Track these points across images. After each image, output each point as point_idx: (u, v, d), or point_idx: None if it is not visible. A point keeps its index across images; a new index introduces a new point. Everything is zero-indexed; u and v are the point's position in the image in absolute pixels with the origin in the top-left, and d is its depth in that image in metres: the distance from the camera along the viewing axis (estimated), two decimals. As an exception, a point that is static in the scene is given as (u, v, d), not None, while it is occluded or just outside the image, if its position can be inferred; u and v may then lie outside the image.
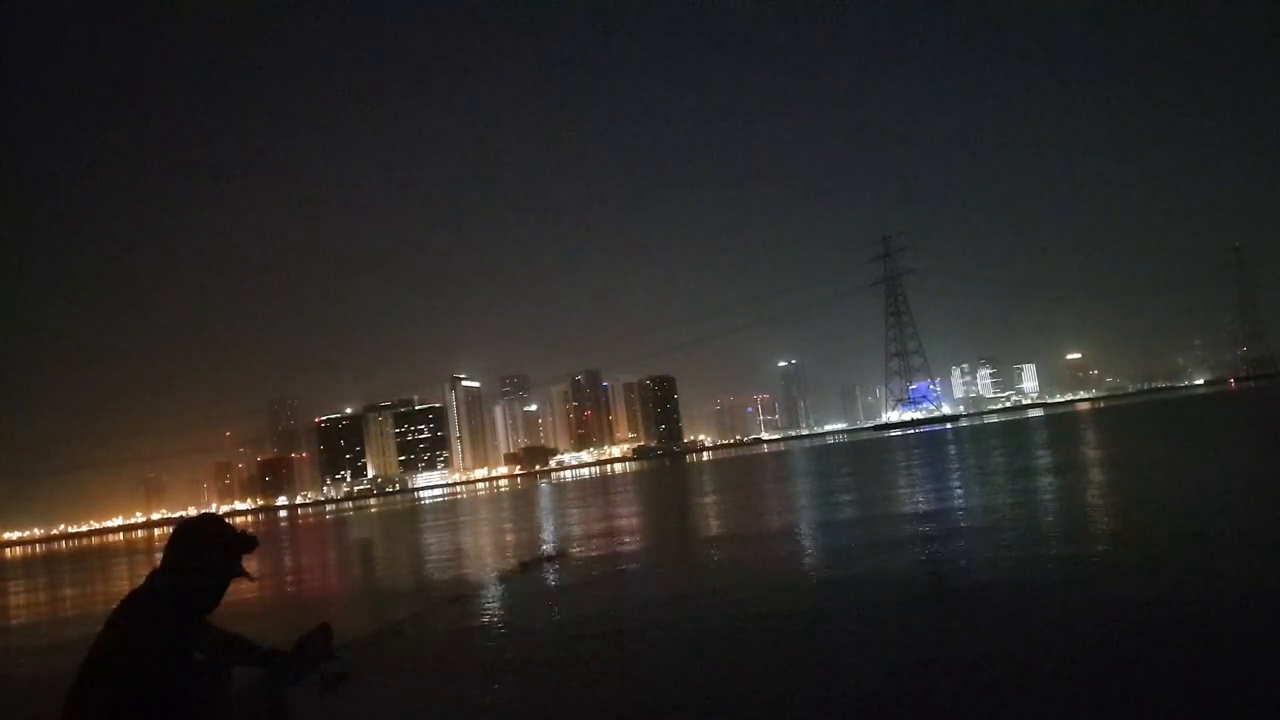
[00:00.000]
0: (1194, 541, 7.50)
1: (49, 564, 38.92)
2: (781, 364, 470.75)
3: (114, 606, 2.52)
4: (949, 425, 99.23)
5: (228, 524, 2.74)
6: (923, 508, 12.66)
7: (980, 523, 10.63)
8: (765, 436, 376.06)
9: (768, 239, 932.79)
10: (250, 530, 2.72)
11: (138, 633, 2.40)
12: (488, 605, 9.17)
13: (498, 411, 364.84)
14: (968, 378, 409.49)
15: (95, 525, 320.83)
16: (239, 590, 2.80)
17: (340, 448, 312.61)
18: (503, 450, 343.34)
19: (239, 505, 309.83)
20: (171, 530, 2.69)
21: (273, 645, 2.91)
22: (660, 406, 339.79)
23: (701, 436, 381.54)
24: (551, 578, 10.61)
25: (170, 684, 2.38)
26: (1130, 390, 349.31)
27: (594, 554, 13.16)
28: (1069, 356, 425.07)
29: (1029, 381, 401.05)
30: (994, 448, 28.23)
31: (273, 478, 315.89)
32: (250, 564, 2.70)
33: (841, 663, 5.35)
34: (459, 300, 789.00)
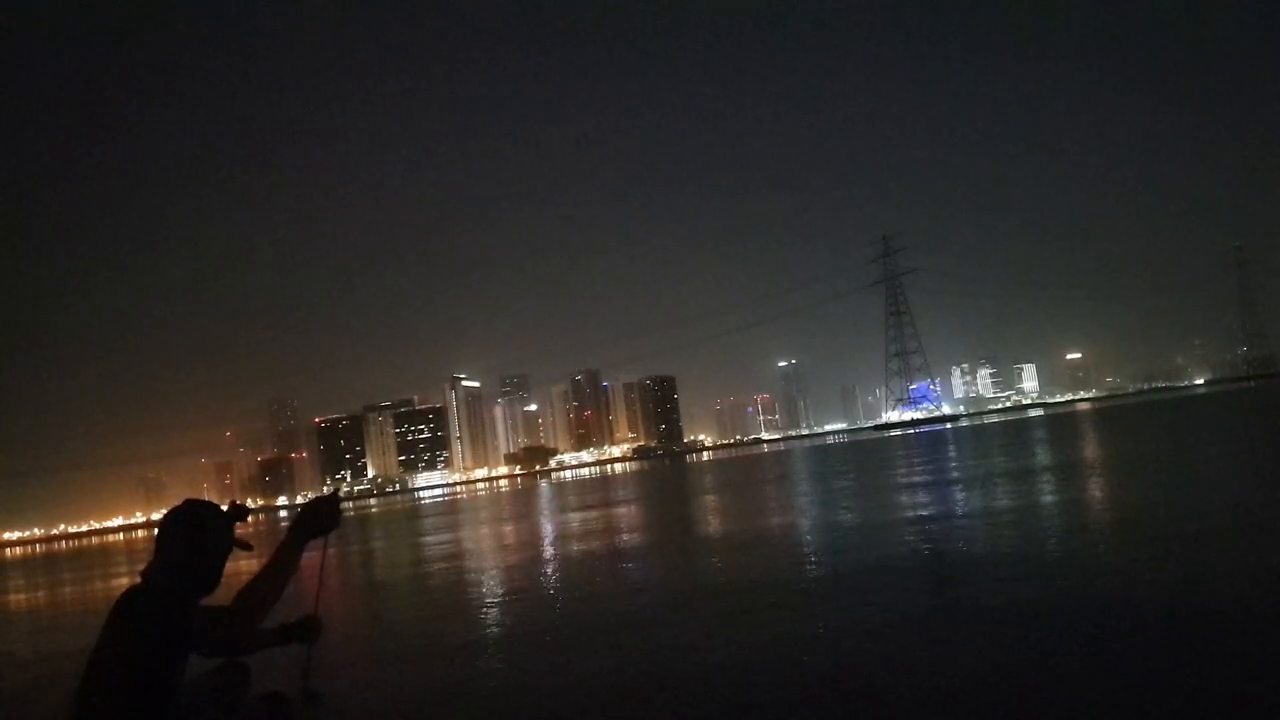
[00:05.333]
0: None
1: (49, 563, 38.93)
2: (781, 364, 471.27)
3: (112, 605, 2.47)
4: (949, 425, 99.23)
5: (211, 503, 2.73)
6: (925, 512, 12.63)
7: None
8: (765, 436, 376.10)
9: (768, 239, 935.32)
10: (244, 503, 2.76)
11: (137, 635, 2.37)
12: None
13: (498, 411, 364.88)
14: (968, 378, 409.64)
15: (95, 525, 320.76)
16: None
17: (340, 448, 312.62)
18: (503, 450, 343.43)
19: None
20: (159, 523, 2.68)
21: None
22: (660, 406, 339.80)
23: (701, 436, 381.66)
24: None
25: (170, 687, 2.36)
26: (1130, 390, 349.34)
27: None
28: (1069, 356, 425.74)
29: (1029, 381, 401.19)
30: (996, 448, 28.21)
31: (273, 478, 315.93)
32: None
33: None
34: (459, 300, 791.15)
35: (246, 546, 2.82)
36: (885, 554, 7.25)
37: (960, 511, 10.23)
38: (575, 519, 19.38)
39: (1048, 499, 10.77)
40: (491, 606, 7.76)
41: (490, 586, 9.30)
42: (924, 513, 10.70)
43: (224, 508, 2.76)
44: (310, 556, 2.89)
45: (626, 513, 18.84)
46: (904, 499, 12.23)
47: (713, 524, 12.27)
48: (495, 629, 6.63)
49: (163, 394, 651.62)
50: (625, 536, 12.96)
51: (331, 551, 3.18)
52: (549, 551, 12.18)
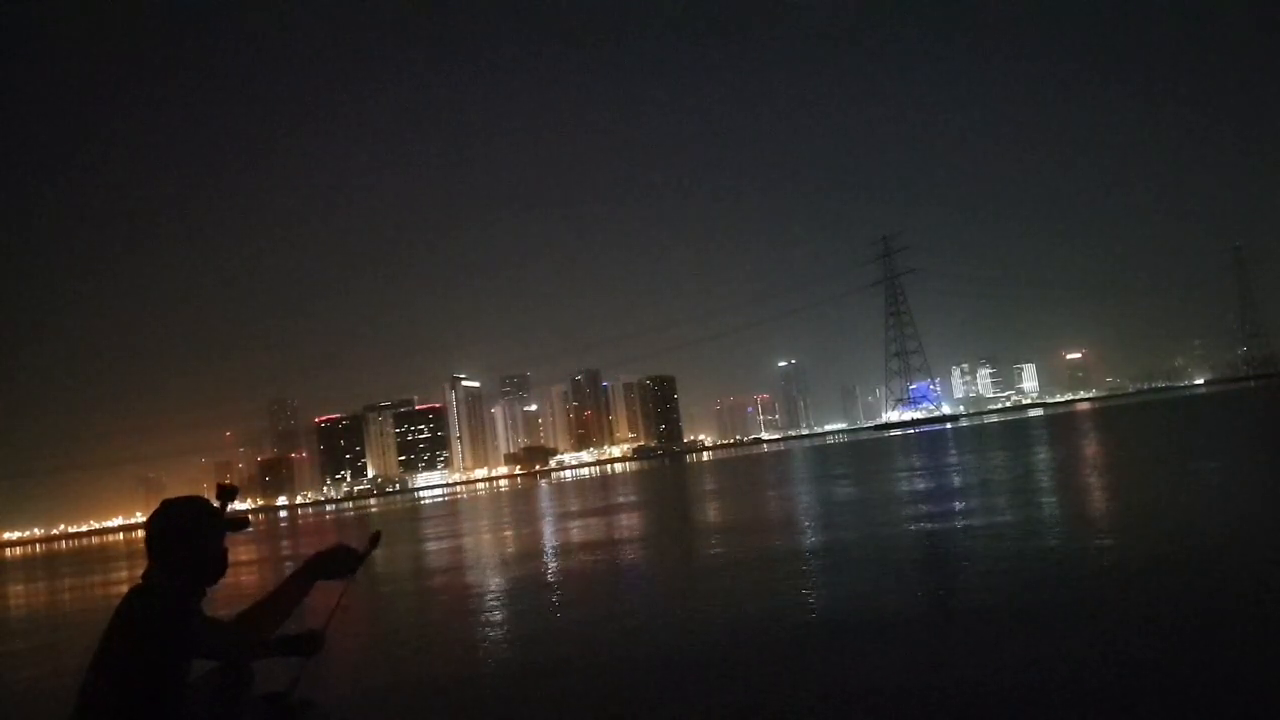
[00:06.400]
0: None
1: (50, 564, 38.95)
2: (781, 364, 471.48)
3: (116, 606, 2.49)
4: (949, 425, 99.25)
5: (190, 497, 2.72)
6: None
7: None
8: (765, 436, 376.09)
9: (768, 239, 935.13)
10: (230, 482, 2.75)
11: (140, 636, 2.37)
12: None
13: (498, 411, 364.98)
14: (968, 378, 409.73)
15: (95, 525, 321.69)
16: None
17: (340, 448, 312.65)
18: (503, 450, 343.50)
19: (239, 505, 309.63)
20: (145, 529, 2.67)
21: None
22: (660, 406, 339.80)
23: (701, 436, 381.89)
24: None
25: (172, 689, 2.38)
26: (1130, 390, 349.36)
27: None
28: (1069, 356, 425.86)
29: (1029, 381, 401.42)
30: (997, 449, 28.23)
31: (273, 478, 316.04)
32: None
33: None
34: (459, 300, 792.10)
35: (242, 524, 2.79)
36: (878, 603, 7.00)
37: (960, 526, 10.23)
38: (575, 527, 19.42)
39: (1048, 514, 10.77)
40: (493, 632, 7.75)
41: (494, 614, 9.30)
42: (927, 526, 10.71)
43: (213, 496, 2.75)
44: (330, 586, 2.90)
45: (626, 523, 18.86)
46: (907, 510, 12.22)
47: (713, 545, 12.26)
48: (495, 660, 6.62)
49: (163, 394, 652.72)
50: (625, 557, 12.97)
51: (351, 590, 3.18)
52: (549, 571, 12.19)
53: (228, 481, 2.75)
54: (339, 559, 2.84)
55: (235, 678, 2.75)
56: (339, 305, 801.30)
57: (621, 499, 26.06)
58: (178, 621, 2.42)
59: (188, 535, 2.58)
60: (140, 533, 2.57)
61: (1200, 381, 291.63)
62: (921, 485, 16.45)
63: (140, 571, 2.53)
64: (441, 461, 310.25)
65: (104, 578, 21.25)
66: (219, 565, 2.65)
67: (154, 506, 2.63)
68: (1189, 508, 8.85)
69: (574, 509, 24.33)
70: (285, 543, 26.98)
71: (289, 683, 2.88)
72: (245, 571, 15.78)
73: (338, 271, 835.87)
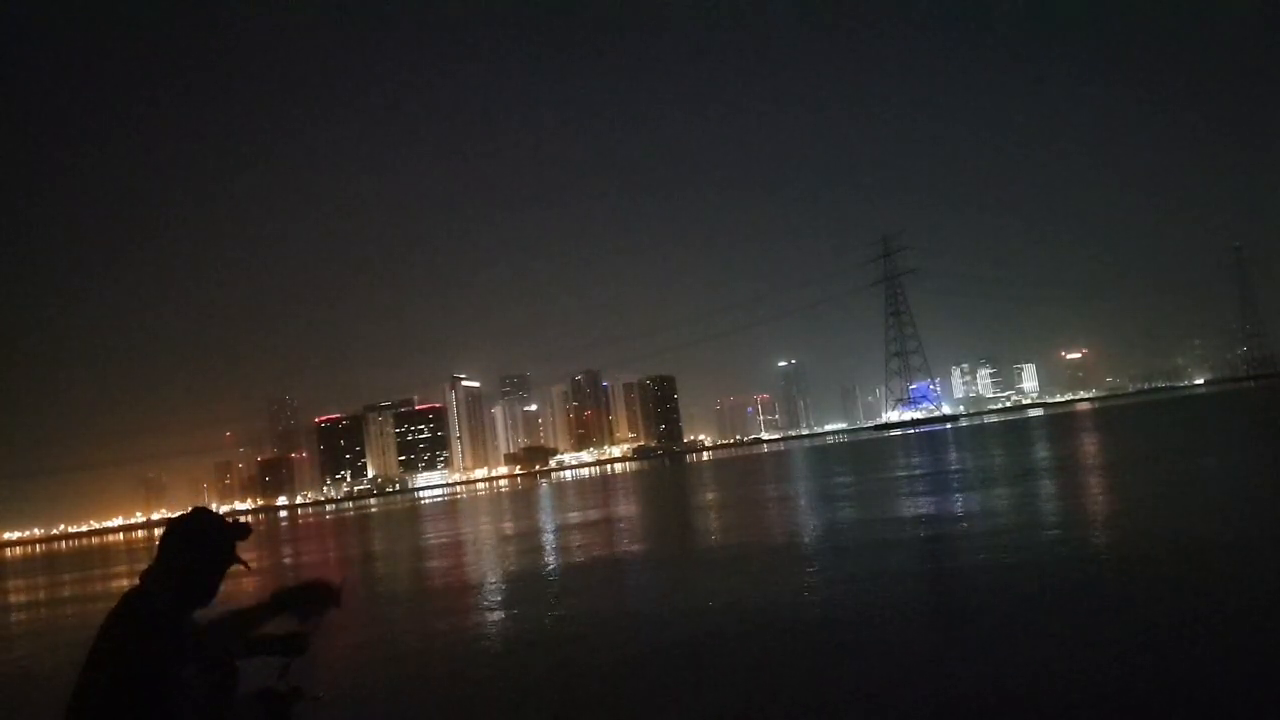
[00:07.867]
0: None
1: (51, 564, 38.91)
2: (781, 364, 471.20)
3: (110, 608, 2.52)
4: (949, 425, 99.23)
5: (218, 515, 2.80)
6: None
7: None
8: (765, 436, 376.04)
9: (768, 239, 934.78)
10: (246, 520, 2.76)
11: (133, 638, 2.41)
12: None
13: (498, 411, 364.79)
14: (968, 378, 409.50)
15: (95, 525, 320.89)
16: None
17: (340, 448, 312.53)
18: (503, 450, 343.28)
19: (239, 505, 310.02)
20: (164, 527, 2.72)
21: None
22: (660, 406, 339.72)
23: (701, 436, 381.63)
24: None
25: (166, 690, 2.41)
26: (1130, 390, 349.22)
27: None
28: (1069, 356, 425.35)
29: (1029, 381, 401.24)
30: (997, 452, 28.24)
31: (273, 478, 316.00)
32: (251, 556, 2.74)
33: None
34: (459, 300, 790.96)
35: (244, 564, 2.88)
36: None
37: (964, 560, 10.24)
38: (575, 538, 19.44)
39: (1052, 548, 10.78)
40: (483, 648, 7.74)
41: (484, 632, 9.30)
42: (931, 546, 10.72)
43: (231, 522, 2.83)
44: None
45: (622, 533, 18.88)
46: (908, 531, 12.23)
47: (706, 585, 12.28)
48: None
49: (163, 394, 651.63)
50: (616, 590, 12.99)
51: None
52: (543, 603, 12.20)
53: (241, 520, 2.82)
54: (312, 594, 2.86)
55: (222, 676, 2.79)
56: (339, 305, 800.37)
57: (619, 507, 26.06)
58: (170, 626, 2.45)
59: (203, 542, 2.65)
60: (141, 533, 2.55)
61: (1200, 381, 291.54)
62: (927, 507, 16.42)
63: (138, 572, 2.58)
64: (441, 461, 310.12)
65: (105, 585, 21.23)
66: (213, 589, 2.71)
67: (154, 506, 4.70)
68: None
69: (570, 518, 24.31)
70: (285, 548, 26.95)
71: (275, 678, 2.93)
72: (244, 576, 15.78)
73: (338, 271, 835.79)
